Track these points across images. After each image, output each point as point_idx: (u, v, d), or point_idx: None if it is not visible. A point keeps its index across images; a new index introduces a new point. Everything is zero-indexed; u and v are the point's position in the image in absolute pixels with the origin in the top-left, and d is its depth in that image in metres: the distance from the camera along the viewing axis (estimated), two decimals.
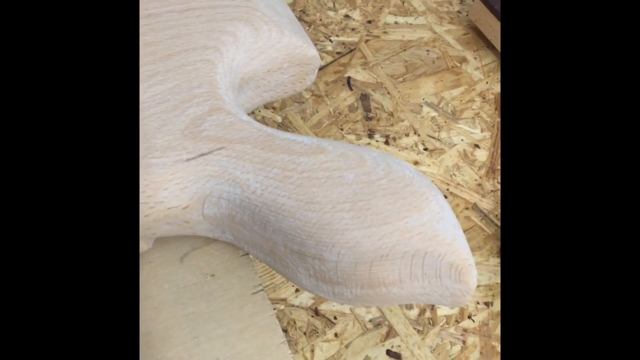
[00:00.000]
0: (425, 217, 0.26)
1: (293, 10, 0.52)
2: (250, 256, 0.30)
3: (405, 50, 0.53)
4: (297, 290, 0.40)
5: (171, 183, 0.25)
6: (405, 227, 0.25)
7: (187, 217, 0.26)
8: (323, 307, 0.38)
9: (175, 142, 0.25)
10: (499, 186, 0.46)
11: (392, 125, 0.48)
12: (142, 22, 0.27)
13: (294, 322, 0.37)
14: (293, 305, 0.35)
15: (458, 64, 0.53)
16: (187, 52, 0.27)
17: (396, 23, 0.54)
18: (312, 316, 0.37)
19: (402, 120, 0.49)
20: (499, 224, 0.45)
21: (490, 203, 0.45)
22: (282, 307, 0.39)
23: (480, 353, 0.38)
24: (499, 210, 0.45)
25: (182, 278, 0.28)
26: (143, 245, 0.27)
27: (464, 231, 0.43)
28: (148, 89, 0.26)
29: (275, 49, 0.30)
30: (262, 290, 0.29)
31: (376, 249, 0.24)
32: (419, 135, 0.48)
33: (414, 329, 0.38)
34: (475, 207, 0.45)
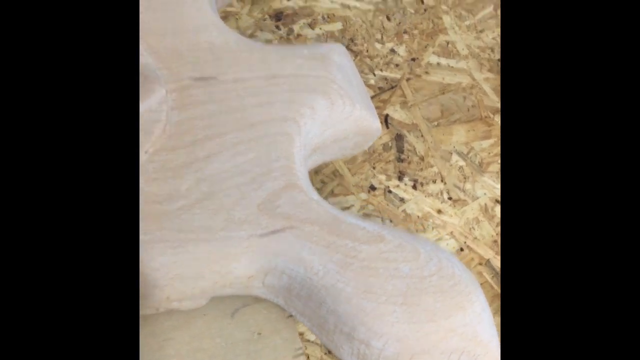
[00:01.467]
0: (468, 317, 0.28)
1: (342, 37, 0.53)
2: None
3: (443, 93, 0.55)
4: None
5: (243, 256, 0.27)
6: (449, 326, 0.27)
7: (248, 283, 0.28)
8: None
9: (252, 216, 0.27)
10: None
11: (421, 169, 0.50)
12: (230, 86, 0.29)
13: (307, 358, 0.40)
14: (309, 341, 0.38)
15: (491, 115, 0.54)
16: (268, 123, 0.29)
17: (438, 64, 0.56)
18: (325, 354, 0.40)
19: (432, 166, 0.51)
20: None
21: None
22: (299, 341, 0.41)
23: None
24: None
25: (232, 333, 0.30)
26: (202, 302, 0.29)
27: None
28: (231, 158, 0.28)
29: (346, 122, 0.32)
30: (302, 354, 0.31)
31: (420, 344, 0.26)
32: (445, 183, 0.50)
33: None
34: (488, 263, 0.47)
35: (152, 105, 0.28)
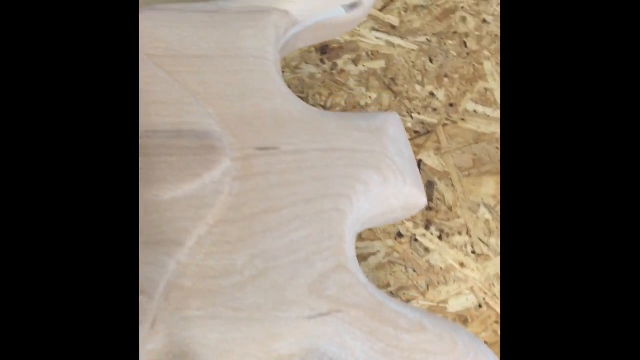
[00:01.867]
0: None
1: (384, 76, 0.53)
2: None
3: (477, 142, 0.55)
4: None
5: (289, 337, 0.27)
6: None
7: (288, 359, 0.29)
8: None
9: (302, 297, 0.27)
10: None
11: (448, 220, 0.51)
12: (291, 157, 0.29)
13: None
14: None
15: None
16: (324, 199, 0.29)
17: (475, 112, 0.56)
18: None
19: (459, 217, 0.51)
20: None
21: None
22: None
23: None
24: None
25: None
26: None
27: (490, 345, 0.47)
28: (286, 234, 0.28)
29: (395, 198, 0.32)
30: None
31: None
32: (470, 236, 0.51)
33: None
34: None
35: (216, 176, 0.28)
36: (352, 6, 0.37)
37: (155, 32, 0.30)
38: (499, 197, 0.53)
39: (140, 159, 0.27)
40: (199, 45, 0.31)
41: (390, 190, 0.32)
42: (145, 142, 0.27)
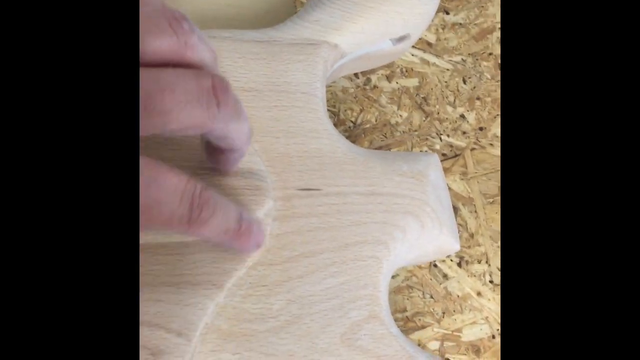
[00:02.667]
0: None
1: (417, 95, 0.53)
2: None
3: None
4: None
5: None
6: None
7: None
8: None
9: (334, 346, 0.28)
10: None
11: (469, 247, 0.51)
12: (332, 200, 0.29)
13: None
14: None
15: None
16: (362, 245, 0.30)
17: None
18: None
19: (479, 245, 0.51)
20: None
21: None
22: None
23: None
24: None
25: None
26: None
27: None
28: (323, 280, 0.28)
29: (431, 245, 0.32)
30: None
31: None
32: (489, 265, 0.51)
33: None
34: None
35: (259, 217, 0.28)
36: (400, 39, 0.36)
37: None
38: None
39: None
40: (249, 77, 0.30)
41: (426, 237, 0.32)
42: None
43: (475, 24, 0.58)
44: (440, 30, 0.57)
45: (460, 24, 0.58)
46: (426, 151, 0.53)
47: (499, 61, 0.57)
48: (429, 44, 0.56)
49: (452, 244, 0.33)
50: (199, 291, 0.26)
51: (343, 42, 0.33)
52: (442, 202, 0.33)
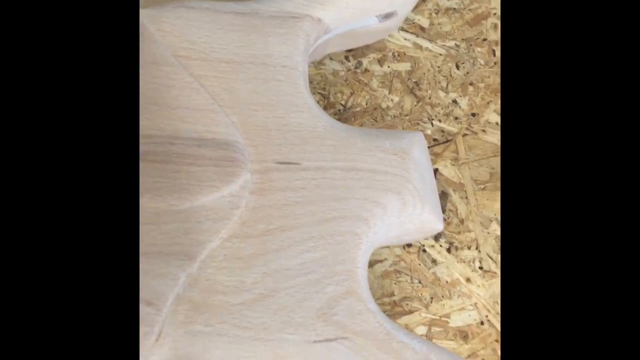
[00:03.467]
0: None
1: (409, 79, 0.52)
2: None
3: (495, 156, 0.54)
4: None
5: (292, 358, 0.27)
6: None
7: None
8: None
9: (310, 320, 0.27)
10: None
11: (459, 233, 0.50)
12: (311, 174, 0.29)
13: None
14: None
15: None
16: (340, 220, 0.29)
17: (497, 123, 0.55)
18: None
19: (470, 231, 0.51)
20: None
21: None
22: None
23: None
24: None
25: None
26: None
27: None
28: (299, 254, 0.28)
29: (412, 223, 0.32)
30: None
31: None
32: (479, 251, 0.51)
33: None
34: None
35: (234, 189, 0.28)
36: (386, 16, 0.36)
37: (186, 32, 0.29)
38: None
39: (161, 166, 0.26)
40: (228, 49, 0.30)
41: (407, 215, 0.32)
42: (166, 149, 0.27)
43: (469, 9, 0.58)
44: (434, 15, 0.56)
45: (454, 8, 0.57)
46: None
47: (493, 47, 0.57)
48: (422, 29, 0.55)
49: (434, 223, 0.32)
50: (171, 262, 0.26)
51: (327, 17, 0.33)
52: (425, 181, 0.32)
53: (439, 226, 0.32)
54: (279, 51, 0.31)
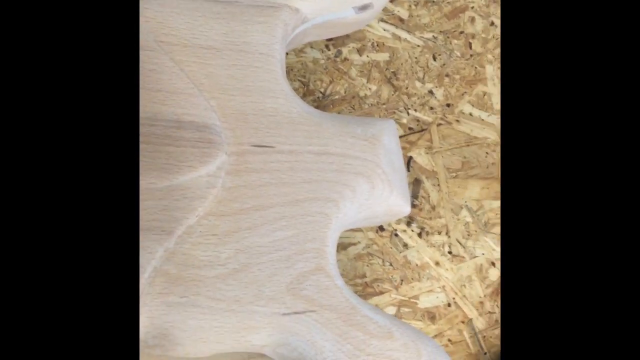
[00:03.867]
0: None
1: (387, 69, 0.54)
2: None
3: (468, 145, 0.56)
4: None
5: (263, 330, 0.29)
6: None
7: (261, 349, 0.30)
8: None
9: (279, 294, 0.29)
10: (497, 309, 0.52)
11: (430, 219, 0.52)
12: (285, 157, 0.30)
13: None
14: None
15: None
16: (311, 201, 0.31)
17: (471, 114, 0.57)
18: None
19: (440, 217, 0.53)
20: (485, 347, 0.50)
21: (484, 323, 0.51)
22: None
23: None
24: (489, 332, 0.50)
25: None
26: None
27: (453, 344, 0.49)
28: (272, 232, 0.29)
29: (380, 206, 0.33)
30: None
31: None
32: (449, 237, 0.53)
33: None
34: (470, 323, 0.50)
35: (211, 170, 0.29)
36: (363, 8, 0.37)
37: (168, 18, 0.31)
38: (482, 201, 0.54)
39: (142, 146, 0.28)
40: (208, 36, 0.31)
41: (376, 199, 0.33)
42: (147, 130, 0.28)
43: (447, 2, 0.59)
44: (413, 7, 0.58)
45: (433, 1, 0.59)
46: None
47: (470, 40, 0.59)
48: (401, 20, 0.57)
49: (402, 207, 0.34)
50: (149, 236, 0.27)
51: (304, 7, 0.34)
52: (395, 166, 0.34)
53: (406, 209, 0.34)
54: (257, 39, 0.32)
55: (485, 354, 0.51)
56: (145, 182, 0.28)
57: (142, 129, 0.28)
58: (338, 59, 0.53)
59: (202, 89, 0.30)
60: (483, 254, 0.52)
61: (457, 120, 0.56)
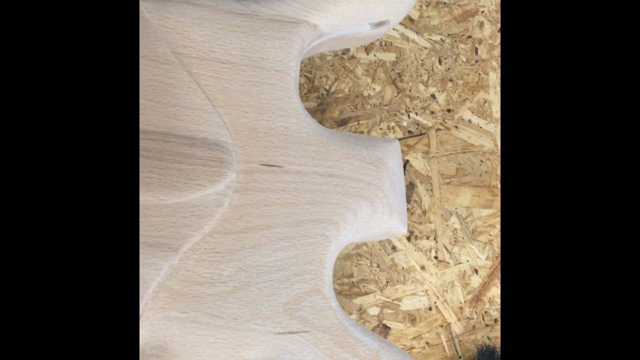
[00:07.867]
0: None
1: (392, 70, 0.54)
2: None
3: (464, 152, 0.57)
4: None
5: (257, 347, 0.30)
6: None
7: None
8: None
9: (276, 314, 0.30)
10: (475, 316, 0.53)
11: (420, 223, 0.53)
12: (292, 177, 0.31)
13: None
14: None
15: (499, 186, 0.57)
16: (314, 223, 0.31)
17: (470, 121, 0.58)
18: None
19: (430, 222, 0.54)
20: (459, 351, 0.52)
21: (461, 328, 0.53)
22: None
23: None
24: (465, 337, 0.52)
25: None
26: None
27: (430, 346, 0.50)
28: (273, 252, 0.30)
29: (379, 227, 0.34)
30: None
31: None
32: (437, 242, 0.54)
33: None
34: (448, 327, 0.52)
35: (220, 188, 0.30)
36: (379, 24, 0.37)
37: (188, 29, 0.30)
38: (472, 209, 0.55)
39: (154, 162, 0.28)
40: (226, 50, 0.31)
41: (376, 222, 0.34)
42: (160, 146, 0.28)
43: (459, 5, 0.59)
44: (424, 8, 0.58)
45: (445, 3, 0.59)
46: (393, 127, 0.55)
47: (476, 45, 0.59)
48: (411, 20, 0.57)
49: (399, 228, 0.35)
50: (155, 253, 0.28)
51: (322, 23, 0.34)
52: (396, 189, 0.35)
53: (403, 230, 0.35)
54: (274, 55, 0.32)
55: (459, 358, 0.53)
56: (155, 198, 0.28)
57: (156, 145, 0.29)
58: (345, 57, 0.53)
59: (216, 105, 0.31)
60: (467, 260, 0.54)
61: (456, 126, 0.56)
